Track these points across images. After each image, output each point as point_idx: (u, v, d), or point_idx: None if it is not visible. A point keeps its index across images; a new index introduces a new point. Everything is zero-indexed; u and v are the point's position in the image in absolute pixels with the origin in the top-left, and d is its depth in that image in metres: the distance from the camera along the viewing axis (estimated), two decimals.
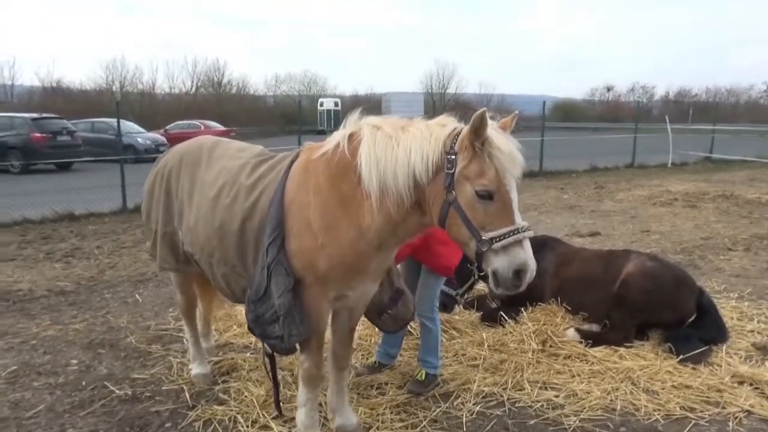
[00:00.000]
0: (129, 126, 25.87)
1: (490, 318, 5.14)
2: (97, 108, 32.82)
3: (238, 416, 3.70)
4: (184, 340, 4.79)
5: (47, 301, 6.34)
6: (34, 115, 22.31)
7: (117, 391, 4.12)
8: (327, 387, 3.61)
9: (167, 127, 31.38)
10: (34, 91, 38.37)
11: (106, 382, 4.26)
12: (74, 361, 4.71)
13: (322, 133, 45.58)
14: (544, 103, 19.49)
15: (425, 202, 2.78)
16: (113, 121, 25.59)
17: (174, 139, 29.39)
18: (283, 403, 3.67)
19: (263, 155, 3.47)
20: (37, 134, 20.42)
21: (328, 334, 3.43)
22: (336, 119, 53.18)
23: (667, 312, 4.70)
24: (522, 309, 5.10)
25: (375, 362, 4.36)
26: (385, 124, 2.88)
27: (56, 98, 34.09)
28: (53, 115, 22.60)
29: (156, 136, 26.35)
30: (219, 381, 4.26)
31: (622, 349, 4.49)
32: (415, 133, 2.77)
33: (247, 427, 3.59)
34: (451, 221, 2.70)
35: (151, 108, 41.88)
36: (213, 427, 3.65)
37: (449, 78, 68.63)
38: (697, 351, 4.35)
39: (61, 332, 5.34)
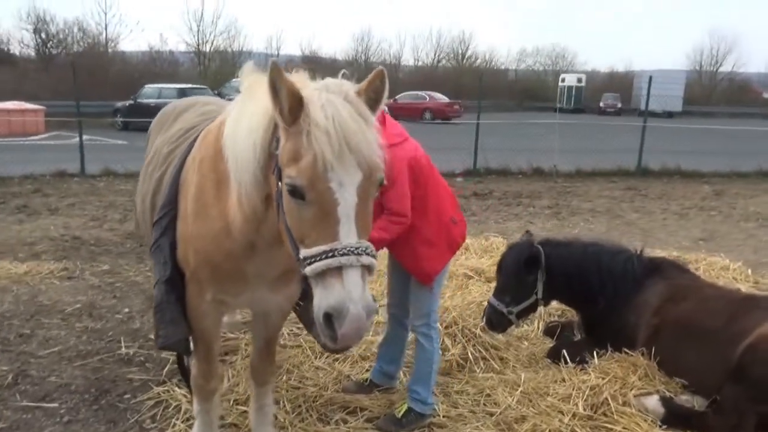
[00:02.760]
0: None
1: (555, 354, 3.92)
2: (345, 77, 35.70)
3: (184, 405, 3.36)
4: None
5: None
6: None
7: (124, 349, 4.14)
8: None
9: (396, 97, 32.57)
10: (292, 60, 43.63)
11: (123, 337, 4.32)
12: (126, 310, 4.91)
13: (562, 111, 42.88)
14: None
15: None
16: None
17: (401, 109, 30.68)
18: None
19: (207, 118, 2.96)
20: None
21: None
22: (578, 96, 49.54)
23: None
24: (599, 351, 3.76)
25: (367, 380, 3.61)
26: (253, 86, 2.14)
27: (308, 67, 38.09)
28: None
29: None
30: None
31: None
32: (259, 98, 2.00)
33: (183, 419, 3.24)
34: (281, 225, 1.91)
35: (391, 79, 44.02)
36: (160, 409, 3.40)
37: (725, 53, 58.18)
38: None
39: (145, 280, 5.65)
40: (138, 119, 19.92)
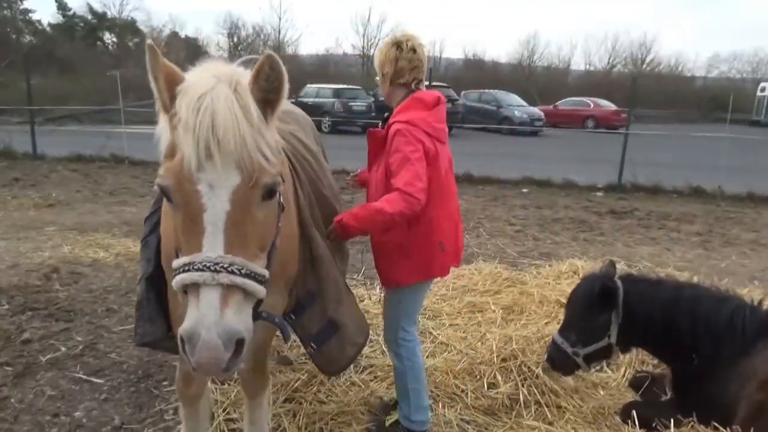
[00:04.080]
0: (512, 98, 26.63)
1: (627, 413, 3.25)
2: (507, 81, 34.98)
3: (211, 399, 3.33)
4: None
5: None
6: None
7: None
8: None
9: (557, 103, 30.91)
10: (454, 64, 43.57)
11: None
12: None
13: (756, 125, 37.55)
14: None
15: None
16: (498, 92, 27.06)
17: (561, 116, 29.05)
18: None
19: None
20: None
21: None
22: None
23: None
24: (683, 418, 3.04)
25: (392, 400, 3.31)
26: None
27: (473, 71, 37.96)
28: (442, 84, 24.75)
29: (534, 110, 26.21)
30: None
31: None
32: None
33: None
34: None
35: (558, 83, 42.06)
36: None
37: None
38: None
39: None
40: None
